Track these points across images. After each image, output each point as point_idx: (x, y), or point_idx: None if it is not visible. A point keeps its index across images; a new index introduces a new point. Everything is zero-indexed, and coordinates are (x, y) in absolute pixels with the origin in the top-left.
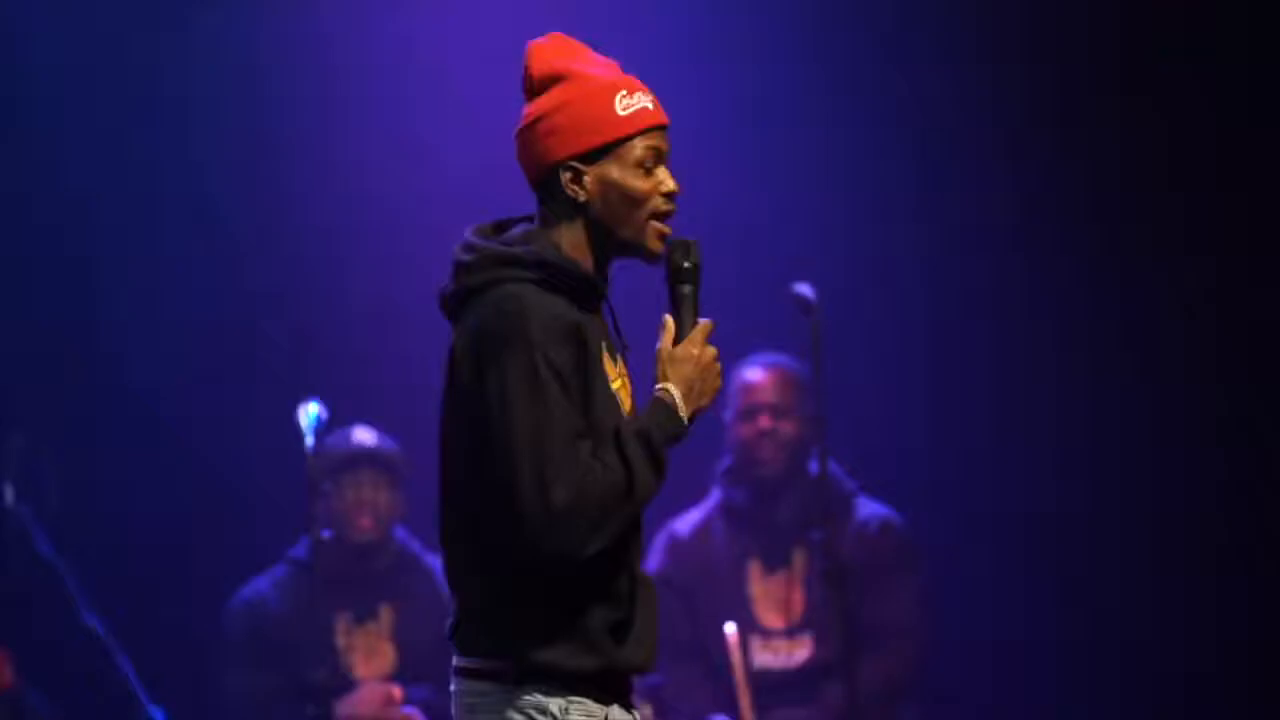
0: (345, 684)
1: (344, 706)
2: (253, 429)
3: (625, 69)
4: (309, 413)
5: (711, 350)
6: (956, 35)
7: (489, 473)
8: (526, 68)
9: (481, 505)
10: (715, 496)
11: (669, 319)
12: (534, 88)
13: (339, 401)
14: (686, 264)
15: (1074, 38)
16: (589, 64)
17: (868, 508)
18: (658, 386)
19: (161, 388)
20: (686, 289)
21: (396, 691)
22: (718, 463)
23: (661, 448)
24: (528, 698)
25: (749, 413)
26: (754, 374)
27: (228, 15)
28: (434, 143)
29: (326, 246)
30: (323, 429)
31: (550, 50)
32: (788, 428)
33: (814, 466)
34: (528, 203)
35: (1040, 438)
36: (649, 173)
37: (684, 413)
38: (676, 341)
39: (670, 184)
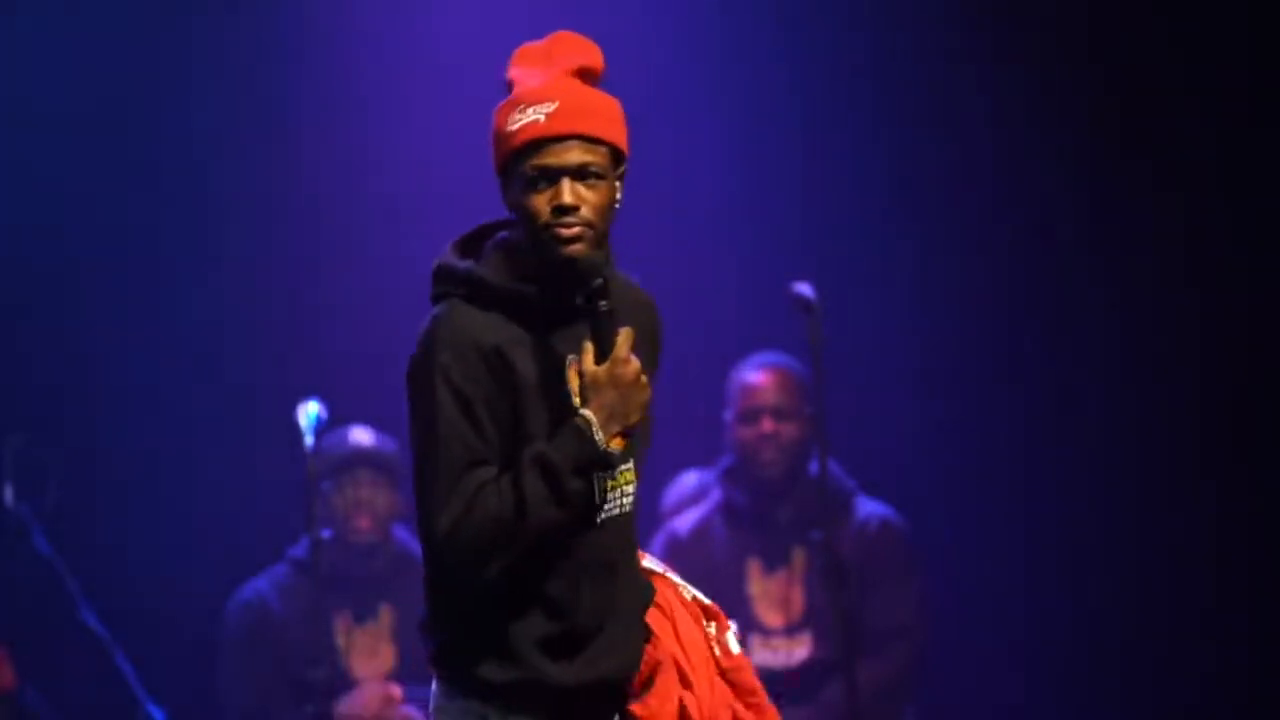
0: (345, 684)
1: (344, 706)
2: (253, 429)
3: (623, 69)
4: (309, 413)
5: (632, 367)
6: (957, 35)
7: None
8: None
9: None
10: (715, 496)
11: (586, 342)
12: None
13: (339, 401)
14: (597, 282)
15: (1076, 39)
16: (526, 72)
17: (867, 507)
18: (578, 412)
19: (161, 387)
20: (602, 304)
21: (396, 691)
22: (720, 458)
23: (565, 473)
24: (475, 710)
25: (751, 415)
26: (755, 376)
27: (234, 11)
28: (437, 142)
29: (327, 246)
30: (322, 429)
31: (518, 55)
32: (789, 430)
33: (814, 466)
34: None
35: (1040, 437)
36: (539, 189)
37: (600, 436)
38: (598, 361)
39: (562, 198)
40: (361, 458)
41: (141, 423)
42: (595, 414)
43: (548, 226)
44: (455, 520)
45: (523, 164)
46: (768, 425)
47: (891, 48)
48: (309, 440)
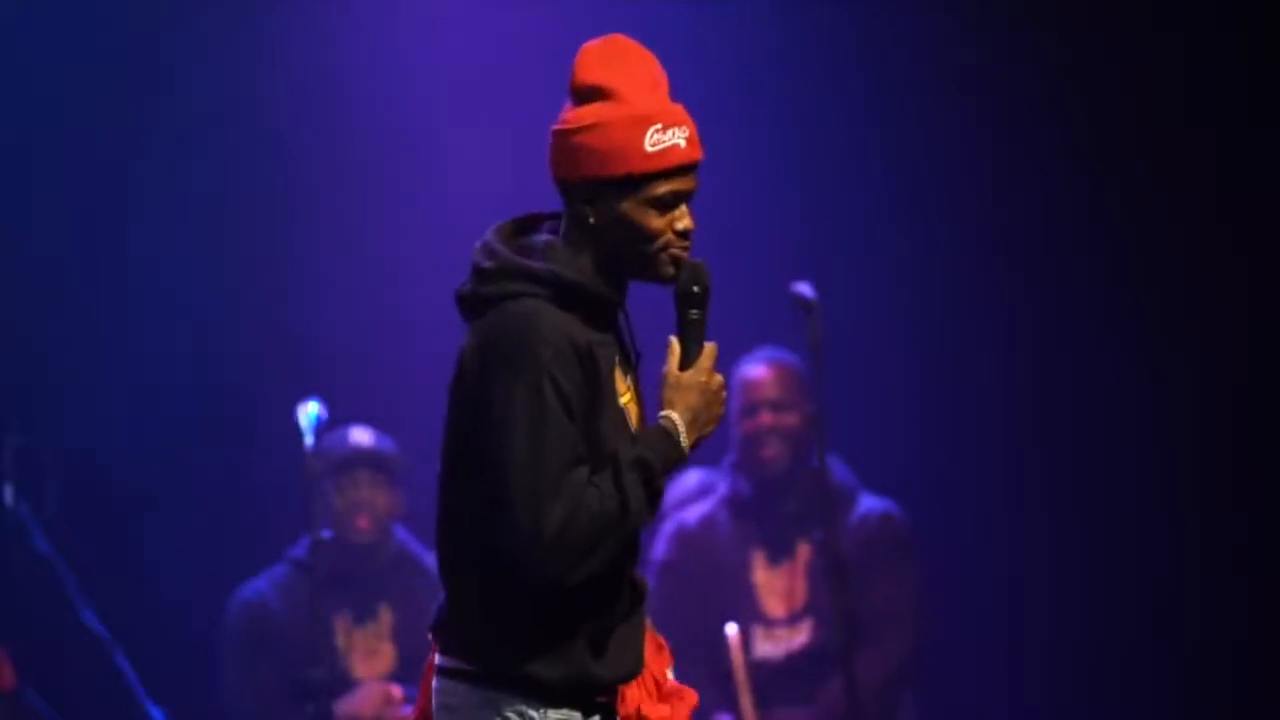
0: (345, 684)
1: (343, 706)
2: (253, 429)
3: None
4: (309, 413)
5: (718, 378)
6: (957, 35)
7: (482, 486)
8: (573, 69)
9: (469, 513)
10: (722, 488)
11: (674, 342)
12: (576, 94)
13: (339, 401)
14: (695, 289)
15: (1076, 39)
16: (636, 83)
17: (868, 501)
18: (661, 414)
19: (161, 387)
20: (694, 313)
21: (396, 691)
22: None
23: (659, 476)
24: (506, 704)
25: (750, 410)
26: (754, 370)
27: (232, 14)
28: (439, 144)
29: (328, 246)
30: (322, 429)
31: (600, 58)
32: (789, 421)
33: (816, 462)
34: (535, 205)
35: (1039, 435)
36: (665, 210)
37: (686, 441)
38: (683, 366)
39: (686, 222)
40: (361, 458)
41: (141, 423)
42: (680, 416)
43: (668, 247)
44: (567, 517)
45: (658, 185)
46: (766, 419)
47: (891, 47)
48: (309, 440)
